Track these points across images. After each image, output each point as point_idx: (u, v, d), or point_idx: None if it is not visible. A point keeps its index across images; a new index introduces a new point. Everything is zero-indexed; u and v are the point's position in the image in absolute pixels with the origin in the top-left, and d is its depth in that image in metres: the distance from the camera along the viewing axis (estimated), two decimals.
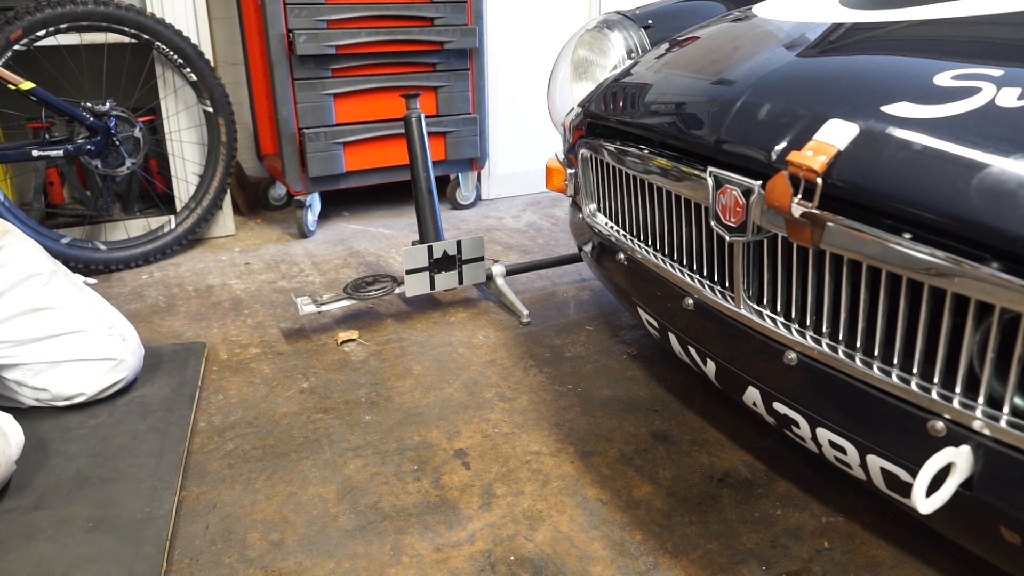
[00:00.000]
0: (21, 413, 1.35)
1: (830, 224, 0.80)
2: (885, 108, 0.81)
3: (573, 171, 1.50)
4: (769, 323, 0.96)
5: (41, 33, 1.92)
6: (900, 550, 1.05)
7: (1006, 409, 0.70)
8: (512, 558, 1.04)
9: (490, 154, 2.84)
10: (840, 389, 0.86)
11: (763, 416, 1.04)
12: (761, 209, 0.91)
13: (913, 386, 0.78)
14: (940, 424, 0.74)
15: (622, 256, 1.30)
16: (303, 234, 2.47)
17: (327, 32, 2.24)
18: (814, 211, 0.81)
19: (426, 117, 2.01)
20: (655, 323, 1.24)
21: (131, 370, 1.44)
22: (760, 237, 0.94)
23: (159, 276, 2.12)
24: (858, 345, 0.85)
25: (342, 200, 2.84)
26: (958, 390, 0.74)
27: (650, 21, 1.53)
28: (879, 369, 0.82)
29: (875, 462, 0.83)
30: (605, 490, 1.19)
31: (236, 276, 2.13)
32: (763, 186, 0.90)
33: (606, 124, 1.32)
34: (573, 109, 1.49)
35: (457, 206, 2.80)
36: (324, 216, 2.66)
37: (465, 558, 1.04)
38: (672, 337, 1.19)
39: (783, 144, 0.88)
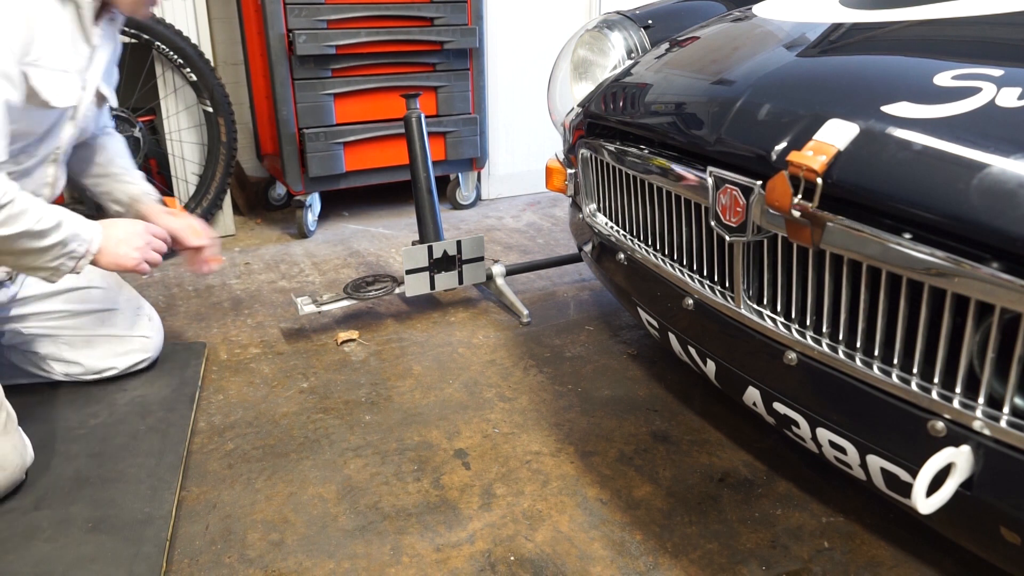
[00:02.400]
0: (22, 409, 1.35)
1: (830, 224, 0.80)
2: (885, 108, 0.80)
3: (573, 171, 1.50)
4: (769, 323, 0.96)
5: None
6: (900, 550, 1.05)
7: (1006, 409, 0.70)
8: (512, 558, 1.04)
9: (490, 154, 2.84)
10: (840, 389, 0.86)
11: (763, 416, 1.04)
12: (761, 209, 0.91)
13: (913, 386, 0.78)
14: (940, 424, 0.74)
15: (622, 256, 1.30)
16: (303, 234, 2.47)
17: (327, 32, 2.23)
18: (814, 211, 0.81)
19: (426, 117, 2.00)
20: (655, 323, 1.24)
21: (156, 349, 1.52)
22: (760, 237, 0.94)
23: (159, 276, 2.12)
24: (858, 345, 0.85)
25: (342, 200, 2.84)
26: (958, 390, 0.74)
27: (650, 21, 1.53)
28: (879, 369, 0.82)
29: (875, 462, 0.83)
30: (605, 490, 1.19)
31: (236, 276, 2.13)
32: (763, 186, 0.90)
33: (606, 124, 1.32)
34: (573, 109, 1.49)
35: (457, 206, 2.80)
36: (324, 216, 2.66)
37: (465, 558, 1.04)
38: (672, 337, 1.19)
39: (783, 144, 0.87)
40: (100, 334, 1.43)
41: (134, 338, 1.47)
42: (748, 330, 0.99)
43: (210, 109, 2.26)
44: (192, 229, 1.47)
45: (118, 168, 1.50)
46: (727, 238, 0.98)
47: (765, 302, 0.99)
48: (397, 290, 1.78)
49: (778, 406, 0.97)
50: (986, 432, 0.71)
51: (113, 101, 1.39)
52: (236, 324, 1.81)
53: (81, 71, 1.23)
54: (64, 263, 1.17)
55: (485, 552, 1.06)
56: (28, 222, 1.09)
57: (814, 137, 0.82)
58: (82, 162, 1.47)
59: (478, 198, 2.88)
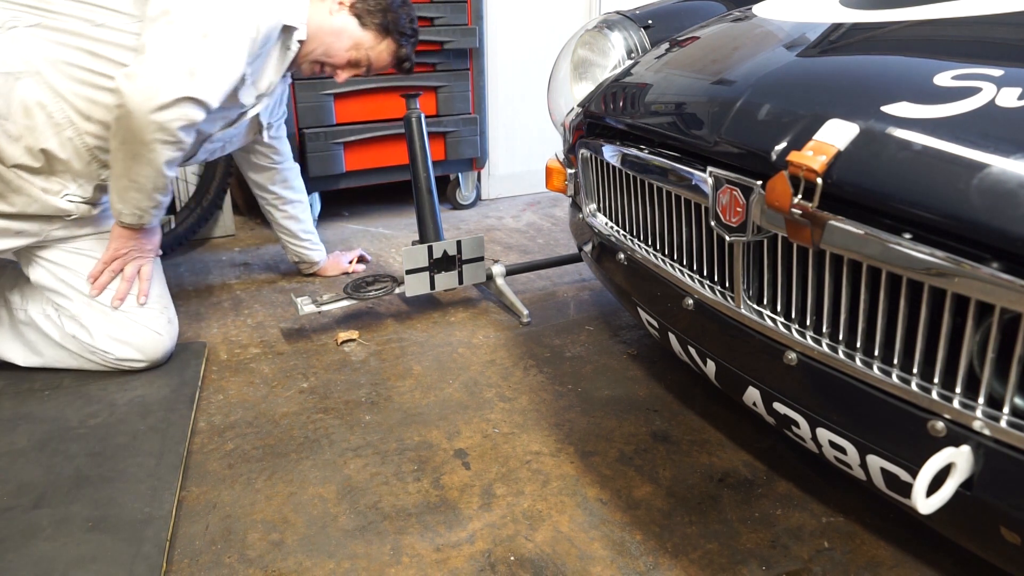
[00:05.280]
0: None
1: (830, 224, 0.80)
2: (885, 108, 0.81)
3: (573, 171, 1.50)
4: (769, 323, 0.96)
5: None
6: (900, 550, 1.05)
7: (1006, 409, 0.70)
8: (512, 558, 1.04)
9: (490, 154, 2.84)
10: (840, 389, 0.86)
11: (763, 416, 1.04)
12: (761, 209, 0.91)
13: (913, 386, 0.78)
14: (940, 424, 0.74)
15: (622, 256, 1.30)
16: None
17: None
18: (814, 211, 0.81)
19: (426, 117, 2.01)
20: (655, 323, 1.24)
21: (159, 351, 1.54)
22: (760, 237, 0.94)
23: None
24: (858, 345, 0.85)
25: (342, 200, 2.84)
26: (958, 390, 0.74)
27: (650, 21, 1.53)
28: (879, 369, 0.82)
29: (875, 462, 0.83)
30: (605, 490, 1.19)
31: (236, 276, 2.13)
32: (763, 186, 0.90)
33: (606, 124, 1.32)
34: (573, 109, 1.49)
35: (457, 206, 2.80)
36: (324, 216, 2.66)
37: (465, 558, 1.04)
38: (672, 337, 1.19)
39: (783, 144, 0.88)
40: (119, 309, 1.51)
41: (145, 329, 1.50)
42: (748, 330, 0.99)
43: None
44: (336, 266, 2.11)
45: (292, 223, 2.00)
46: (727, 238, 0.98)
47: (765, 302, 0.99)
48: (397, 290, 1.78)
49: (778, 406, 0.97)
50: (986, 432, 0.71)
51: (267, 135, 1.74)
52: (236, 324, 1.81)
53: (260, 94, 1.56)
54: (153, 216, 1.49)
55: (485, 552, 1.06)
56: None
57: (814, 137, 0.82)
58: (261, 183, 1.93)
59: (478, 198, 2.88)
